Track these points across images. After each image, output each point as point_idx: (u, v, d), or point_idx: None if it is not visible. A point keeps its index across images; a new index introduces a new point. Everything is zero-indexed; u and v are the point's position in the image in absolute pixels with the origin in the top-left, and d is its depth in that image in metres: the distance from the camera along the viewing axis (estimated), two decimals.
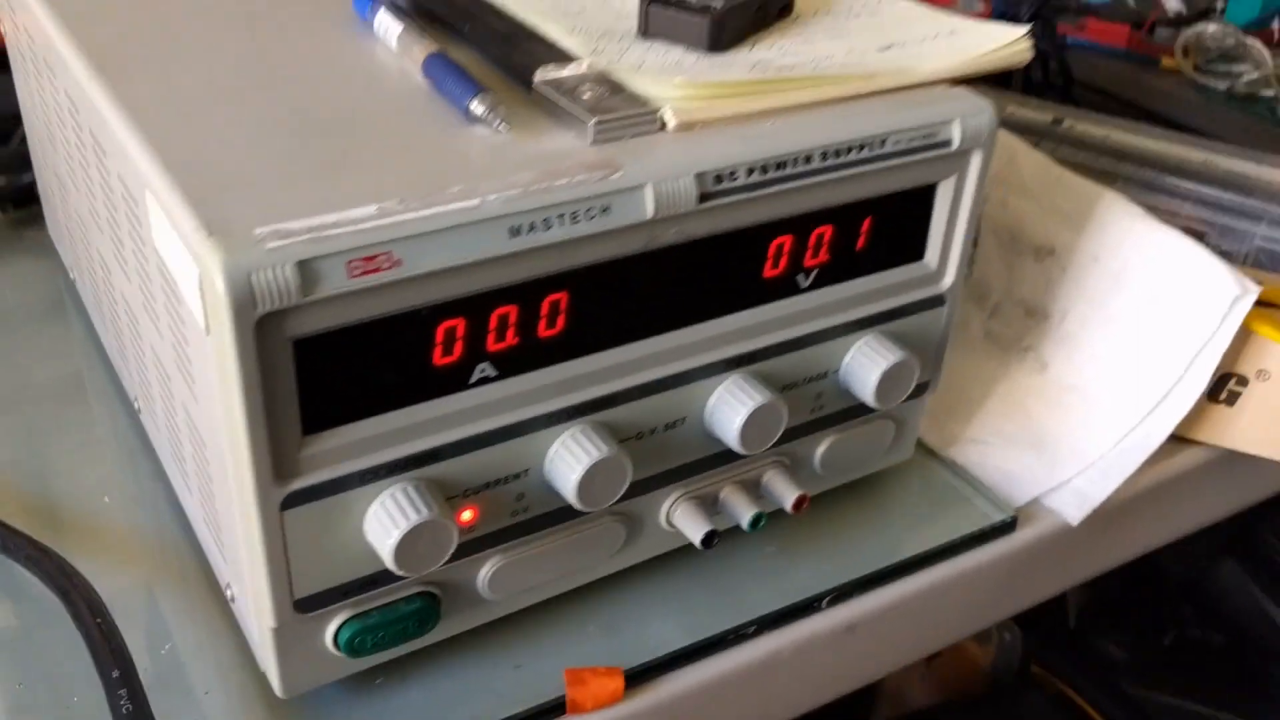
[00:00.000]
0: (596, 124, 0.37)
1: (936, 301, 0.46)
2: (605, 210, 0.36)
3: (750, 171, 0.38)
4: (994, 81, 0.76)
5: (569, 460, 0.38)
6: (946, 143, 0.42)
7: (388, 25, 0.43)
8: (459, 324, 0.35)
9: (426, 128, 0.38)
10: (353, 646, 0.38)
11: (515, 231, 0.34)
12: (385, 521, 0.35)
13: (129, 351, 0.47)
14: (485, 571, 0.40)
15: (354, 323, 0.33)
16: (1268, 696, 0.96)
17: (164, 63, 0.41)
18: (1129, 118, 0.76)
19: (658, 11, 0.44)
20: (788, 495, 0.45)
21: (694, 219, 0.38)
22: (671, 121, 0.38)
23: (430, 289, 0.34)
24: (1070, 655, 0.97)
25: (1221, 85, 0.87)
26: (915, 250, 0.45)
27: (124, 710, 0.35)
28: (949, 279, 0.46)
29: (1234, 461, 0.56)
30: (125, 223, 0.39)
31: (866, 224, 0.43)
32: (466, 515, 0.38)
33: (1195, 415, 0.54)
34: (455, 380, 0.36)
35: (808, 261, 0.42)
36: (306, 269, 0.31)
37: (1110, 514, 0.53)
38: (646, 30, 0.44)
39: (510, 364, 0.37)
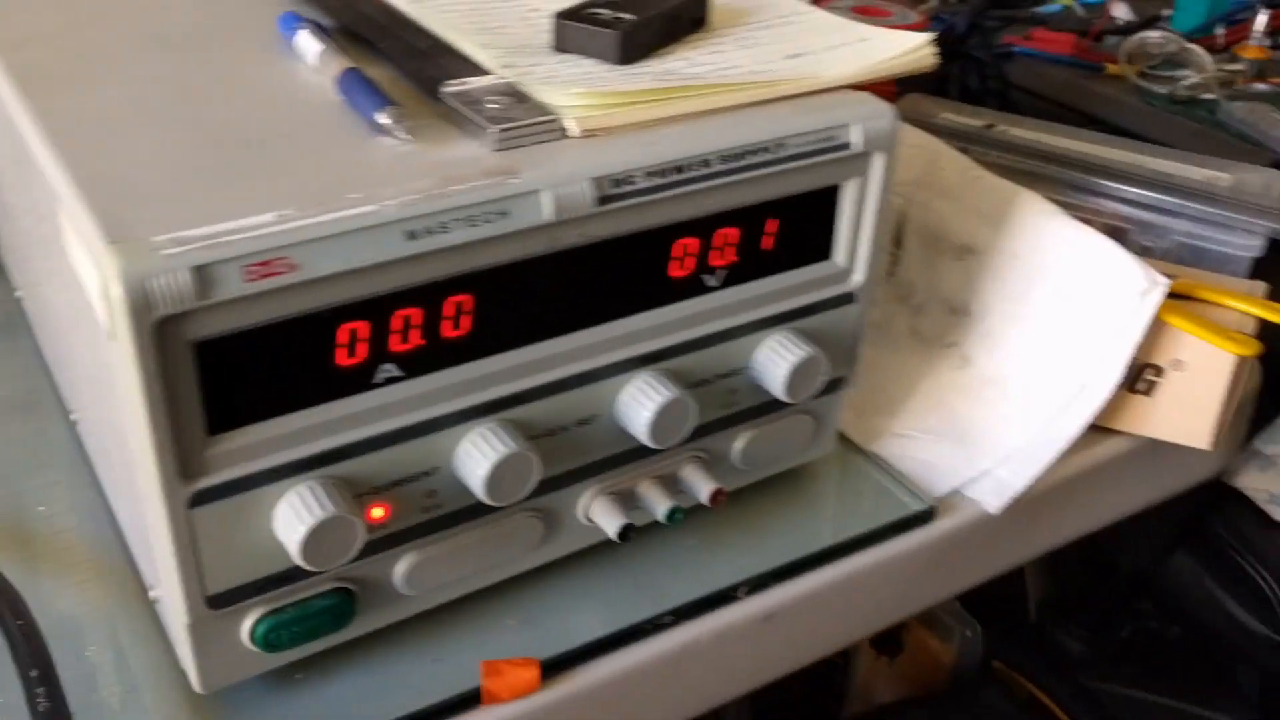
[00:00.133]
0: (498, 132, 0.39)
1: (846, 299, 0.48)
2: (504, 214, 0.37)
3: (649, 175, 0.40)
4: (931, 89, 0.78)
5: (477, 457, 0.40)
6: (846, 145, 0.44)
7: (308, 44, 0.44)
8: (361, 326, 0.36)
9: (336, 140, 0.39)
10: (269, 642, 0.40)
11: (412, 235, 0.36)
12: (292, 518, 0.37)
13: (64, 364, 0.49)
14: (401, 567, 0.42)
15: (255, 325, 0.34)
16: (1225, 687, 0.97)
17: (87, 83, 0.43)
18: (1073, 123, 0.78)
19: (569, 26, 0.45)
20: (704, 489, 0.47)
21: (595, 222, 0.39)
22: (574, 129, 0.40)
23: (330, 292, 0.35)
24: (1030, 650, 0.99)
25: (1163, 90, 0.88)
26: (823, 250, 0.47)
27: (40, 708, 0.37)
28: (858, 277, 0.48)
29: (1154, 450, 0.57)
30: (52, 238, 0.41)
31: (772, 225, 0.44)
32: (378, 512, 0.40)
33: (1115, 405, 0.56)
34: (359, 381, 0.37)
35: (714, 262, 0.44)
36: (202, 274, 0.32)
37: (1033, 503, 0.54)
38: (560, 45, 0.45)
39: (415, 364, 0.38)
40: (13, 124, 0.41)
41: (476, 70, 0.43)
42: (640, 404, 0.43)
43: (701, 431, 0.46)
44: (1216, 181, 0.66)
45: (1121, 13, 1.01)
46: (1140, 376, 0.56)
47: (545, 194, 0.38)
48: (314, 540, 0.37)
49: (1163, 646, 0.99)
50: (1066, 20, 1.00)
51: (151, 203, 0.34)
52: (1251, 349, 0.54)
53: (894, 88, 0.74)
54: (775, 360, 0.46)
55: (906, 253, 0.59)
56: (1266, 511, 0.77)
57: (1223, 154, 0.72)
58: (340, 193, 0.35)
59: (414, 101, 0.41)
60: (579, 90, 0.41)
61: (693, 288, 0.44)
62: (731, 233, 0.43)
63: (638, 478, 0.46)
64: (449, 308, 0.38)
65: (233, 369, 0.35)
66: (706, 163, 0.41)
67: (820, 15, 0.51)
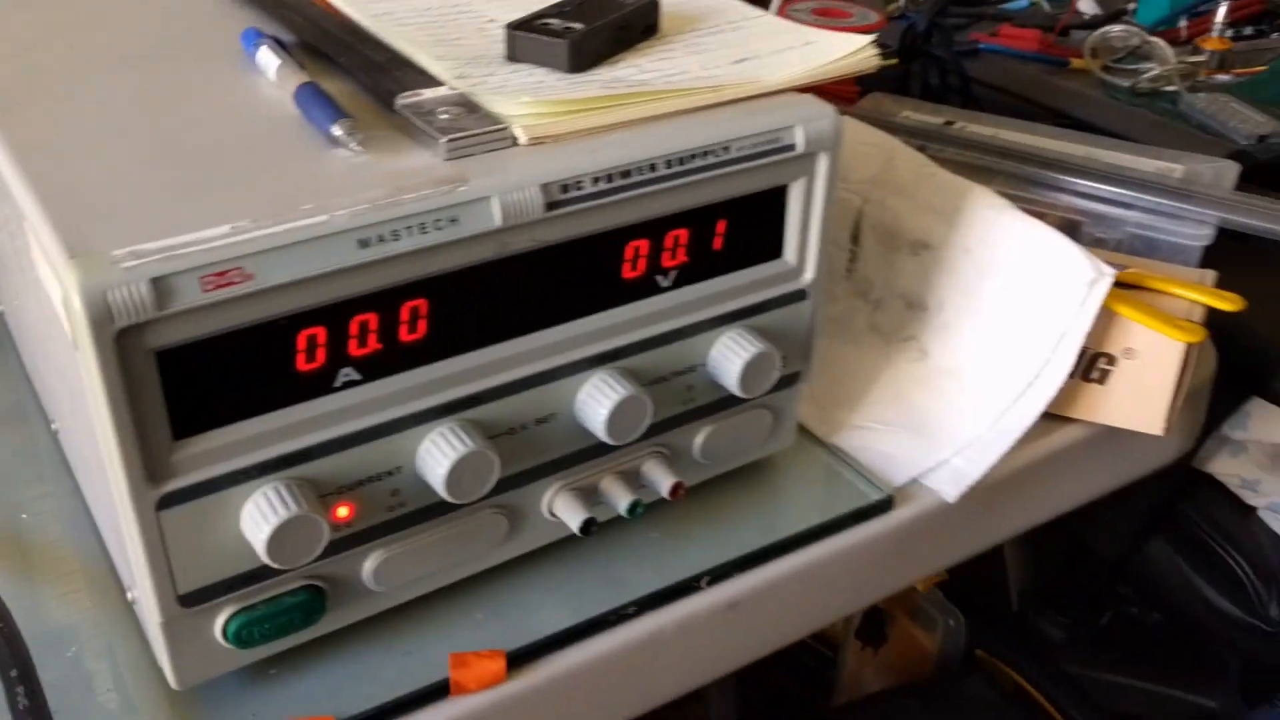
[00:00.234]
0: (448, 142, 0.40)
1: (799, 296, 0.49)
2: (453, 221, 0.39)
3: (596, 180, 0.41)
4: (893, 88, 0.80)
5: (437, 456, 0.41)
6: (791, 146, 0.45)
7: (268, 60, 0.46)
8: (319, 331, 0.38)
9: (292, 152, 0.41)
10: (241, 638, 0.41)
11: (365, 243, 0.37)
12: (258, 518, 0.38)
13: (43, 375, 0.50)
14: (369, 565, 0.43)
15: (215, 333, 0.36)
16: (1208, 671, 0.98)
17: (52, 101, 0.44)
18: (1039, 118, 0.79)
19: (521, 37, 0.47)
20: (664, 482, 0.48)
21: (545, 226, 0.41)
22: (522, 138, 0.41)
23: (287, 299, 0.37)
24: (1013, 639, 1.00)
25: (1125, 83, 0.90)
26: (773, 249, 0.48)
27: (20, 706, 0.38)
28: (809, 275, 0.49)
29: (1110, 437, 0.59)
30: (22, 253, 0.42)
31: (721, 226, 0.46)
32: (343, 511, 0.41)
33: (1070, 394, 0.57)
34: (319, 385, 0.39)
35: (666, 262, 0.45)
36: (161, 285, 0.34)
37: (991, 491, 0.56)
38: (513, 55, 0.47)
39: (374, 368, 0.40)
40: None
41: (431, 82, 0.44)
42: (597, 402, 0.44)
43: (661, 427, 0.48)
44: (1169, 173, 0.67)
45: (1087, 7, 1.02)
46: (1093, 365, 0.57)
47: (494, 200, 0.39)
48: (279, 539, 0.38)
49: (1143, 632, 1.00)
50: (1033, 16, 1.01)
51: (112, 217, 0.36)
52: (1198, 335, 0.55)
53: (856, 87, 0.76)
54: (729, 357, 0.47)
55: (864, 250, 0.61)
56: (1239, 496, 0.79)
57: (1183, 145, 0.74)
58: (294, 204, 0.37)
59: (370, 114, 0.43)
60: (527, 99, 0.42)
61: (646, 288, 0.45)
62: (682, 234, 0.45)
63: (600, 473, 0.48)
64: (405, 312, 0.40)
65: (195, 376, 0.36)
66: (653, 167, 0.42)
67: (769, 20, 0.52)
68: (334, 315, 0.38)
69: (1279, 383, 0.73)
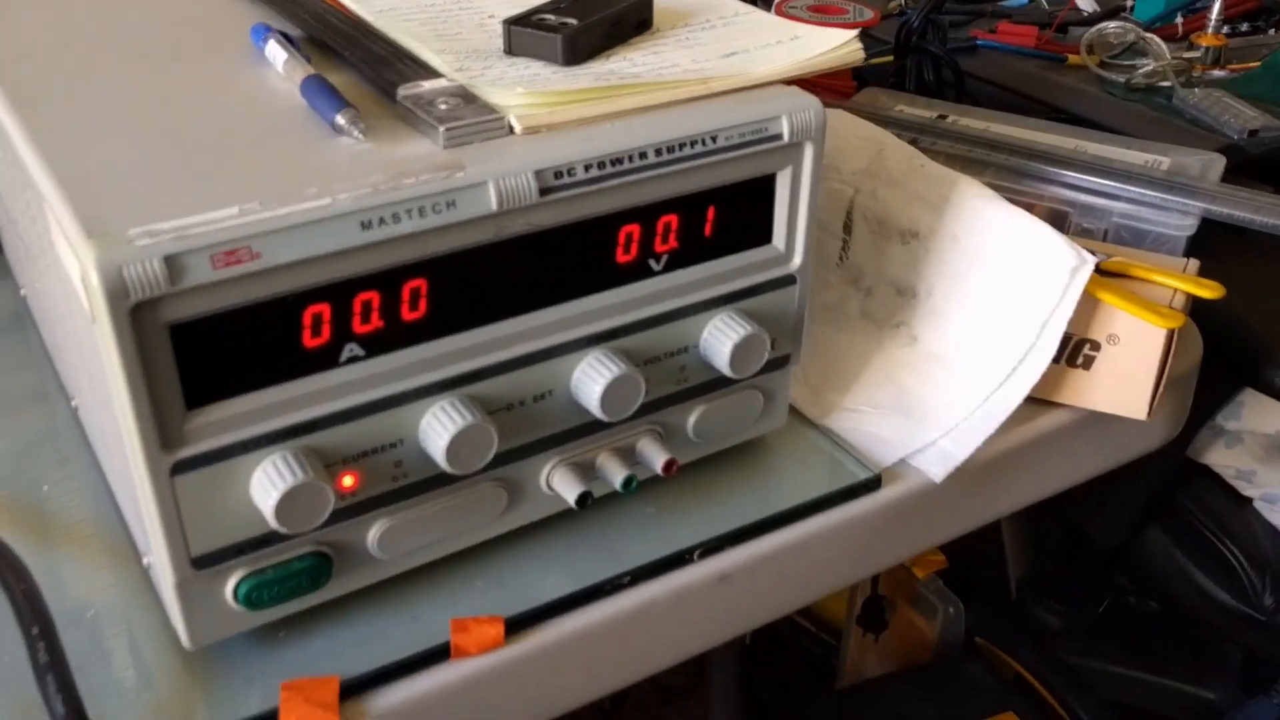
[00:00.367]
0: (446, 131, 0.42)
1: (788, 281, 0.51)
2: (451, 205, 0.41)
3: (588, 167, 0.43)
4: (890, 84, 0.82)
5: (438, 429, 0.43)
6: (777, 136, 0.47)
7: (276, 53, 0.48)
8: (324, 309, 0.40)
9: (298, 140, 0.43)
10: (251, 600, 0.43)
11: (366, 225, 0.39)
12: (266, 485, 0.40)
13: (63, 353, 0.52)
14: (374, 532, 0.45)
15: (225, 309, 0.38)
16: (1207, 662, 1.00)
17: (73, 95, 0.46)
18: (1036, 114, 0.81)
19: (519, 31, 0.49)
20: (658, 459, 0.50)
21: (539, 211, 0.43)
22: (517, 127, 0.44)
23: (293, 278, 0.39)
24: (1011, 627, 1.02)
25: (1120, 79, 0.91)
26: (763, 235, 0.50)
27: (42, 660, 0.40)
28: (798, 260, 0.51)
29: (1095, 422, 0.60)
30: (43, 235, 0.45)
31: (711, 212, 0.48)
32: (348, 481, 0.43)
33: (1055, 379, 0.59)
34: (325, 359, 0.41)
35: (658, 247, 0.47)
36: (173, 262, 0.36)
37: (978, 473, 0.57)
38: (510, 49, 0.49)
39: (377, 344, 0.42)
40: (4, 132, 0.45)
41: (431, 74, 0.46)
42: (592, 380, 0.46)
43: (654, 406, 0.50)
44: (1156, 166, 0.69)
45: (1085, 4, 1.04)
46: (1078, 351, 0.59)
47: (490, 186, 0.41)
48: (287, 504, 0.40)
49: (1141, 622, 1.02)
50: (1031, 13, 1.03)
51: (127, 200, 0.38)
52: (1178, 321, 0.57)
53: (852, 83, 0.78)
54: (720, 338, 0.49)
55: (856, 238, 0.63)
56: (1234, 487, 0.80)
57: (1176, 140, 0.76)
58: (299, 188, 0.39)
59: (373, 104, 0.45)
60: (523, 90, 0.44)
61: (638, 271, 0.47)
62: (672, 220, 0.47)
63: (596, 450, 0.50)
64: (406, 292, 0.42)
65: (206, 349, 0.38)
66: (644, 155, 0.44)
67: (758, 15, 0.54)
68: (338, 293, 0.40)
69: (1269, 372, 0.75)
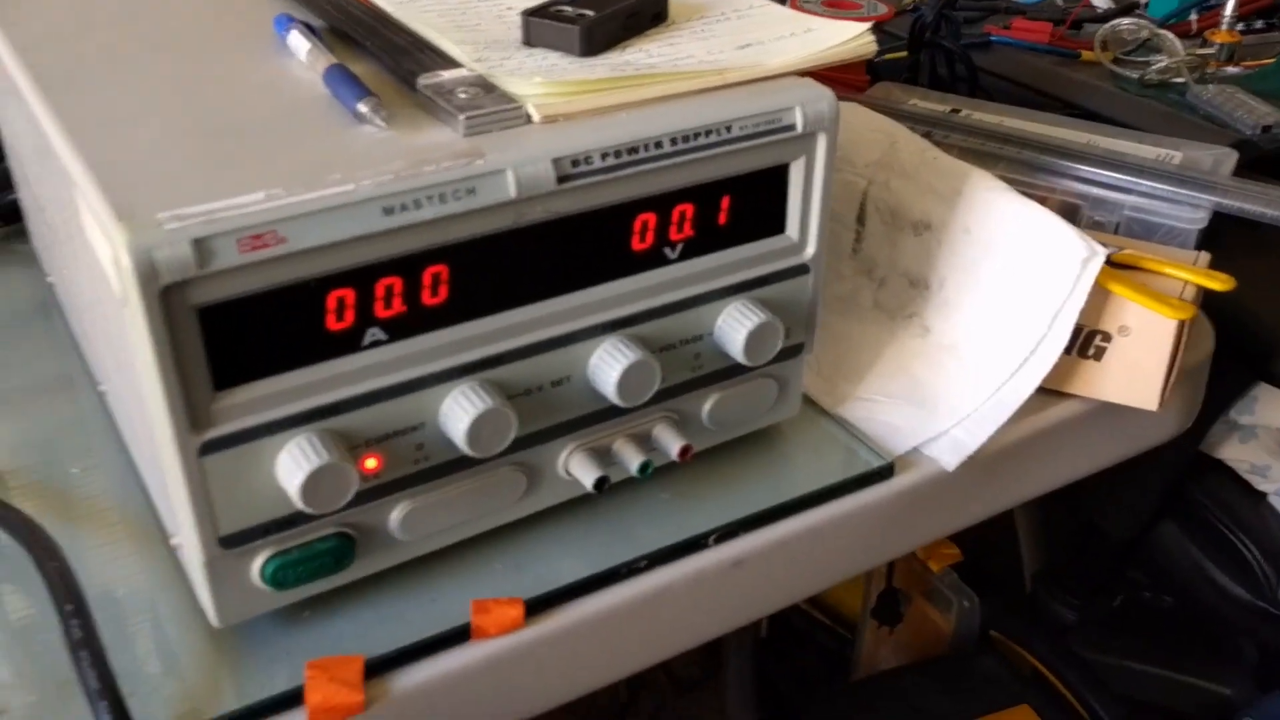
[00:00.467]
0: (466, 119, 0.43)
1: (801, 270, 0.52)
2: (471, 191, 0.42)
3: (604, 156, 0.44)
4: (904, 79, 0.82)
5: (458, 412, 0.44)
6: (791, 127, 0.48)
7: (299, 43, 0.49)
8: (347, 293, 0.41)
9: (321, 128, 0.44)
10: (277, 580, 0.44)
11: (389, 211, 0.40)
12: (292, 465, 0.41)
13: (91, 338, 0.54)
14: (396, 514, 0.46)
15: (252, 292, 0.39)
16: (1223, 658, 1.00)
17: (100, 82, 0.47)
18: (1049, 109, 0.82)
19: (536, 23, 0.50)
20: (673, 445, 0.51)
21: (557, 198, 0.44)
22: (535, 116, 0.44)
23: (318, 262, 0.40)
24: (1025, 620, 1.02)
25: (1134, 75, 0.92)
26: (776, 224, 0.51)
27: (75, 636, 0.41)
28: (811, 249, 0.52)
29: (1107, 412, 0.61)
30: (72, 221, 0.46)
31: (726, 201, 0.49)
32: (371, 463, 0.44)
33: (1067, 370, 0.60)
34: (348, 343, 0.42)
35: (673, 235, 0.48)
36: (201, 246, 0.37)
37: (990, 462, 0.58)
38: (528, 39, 0.50)
39: (399, 328, 0.43)
40: (36, 120, 0.46)
41: (451, 64, 0.47)
42: (609, 366, 0.47)
43: (670, 393, 0.51)
44: (1169, 160, 0.69)
45: (1100, 1, 1.05)
46: (1089, 342, 0.60)
47: (508, 173, 0.42)
48: (312, 485, 0.41)
49: (1155, 617, 1.02)
50: (1046, 10, 1.04)
51: (156, 185, 0.39)
52: (1189, 313, 0.57)
53: (866, 77, 0.79)
54: (734, 326, 0.50)
55: (869, 230, 0.63)
56: (1248, 481, 0.81)
57: (1189, 135, 0.76)
58: (323, 174, 0.40)
59: (394, 93, 0.46)
60: (541, 80, 0.45)
61: (654, 259, 0.48)
62: (688, 208, 0.48)
63: (613, 435, 0.51)
64: (427, 277, 0.43)
65: (234, 331, 0.39)
66: (659, 144, 0.45)
67: (773, 8, 0.55)
68: (361, 278, 0.41)
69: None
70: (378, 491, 0.45)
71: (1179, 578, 0.95)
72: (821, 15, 0.56)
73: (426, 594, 0.48)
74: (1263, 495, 0.80)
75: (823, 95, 0.49)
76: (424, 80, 0.45)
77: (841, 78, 0.76)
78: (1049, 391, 0.60)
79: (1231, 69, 0.94)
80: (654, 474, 0.51)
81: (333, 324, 0.41)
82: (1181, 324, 0.58)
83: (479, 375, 0.45)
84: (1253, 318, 0.73)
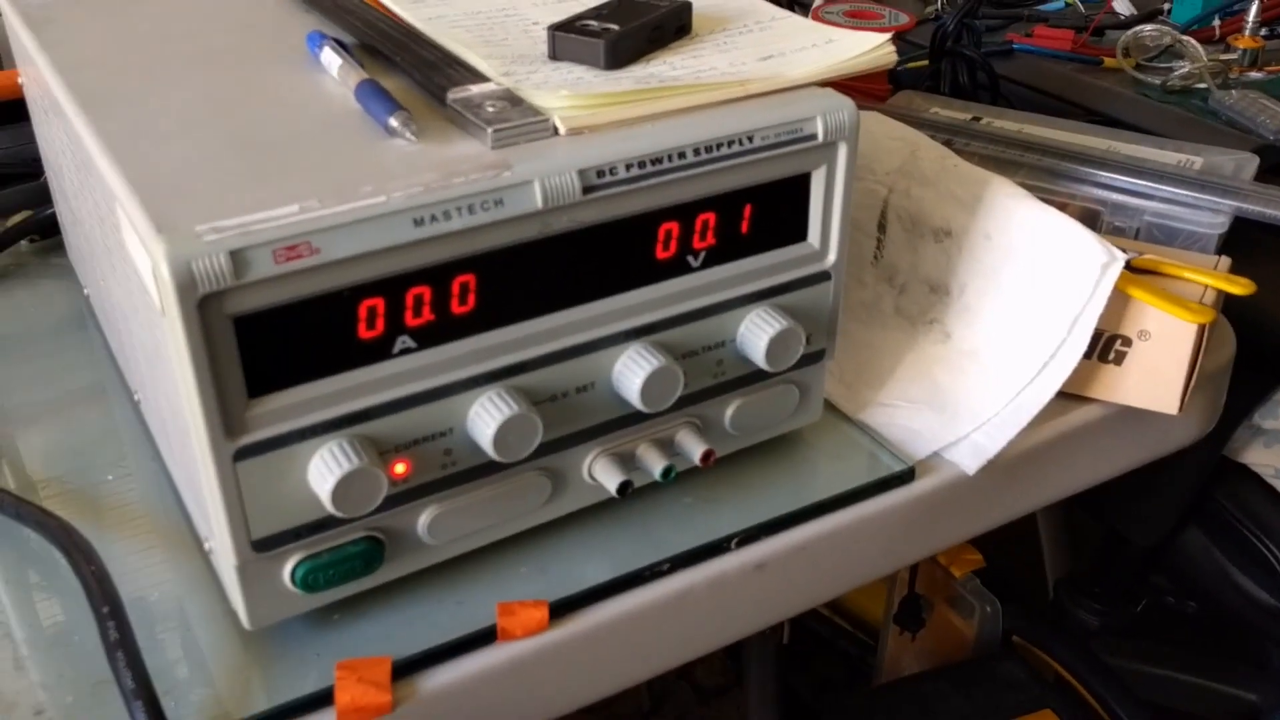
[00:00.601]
0: (494, 132, 0.44)
1: (822, 277, 0.53)
2: (499, 203, 0.43)
3: (629, 167, 0.45)
4: (926, 87, 0.83)
5: (485, 418, 0.45)
6: (812, 136, 0.49)
7: (331, 59, 0.50)
8: (378, 302, 0.42)
9: (353, 142, 0.45)
10: (307, 583, 0.45)
11: (419, 222, 0.41)
12: (323, 470, 0.42)
13: (126, 349, 0.55)
14: (424, 518, 0.47)
15: (286, 302, 0.40)
16: (1245, 664, 1.00)
17: (140, 100, 0.49)
18: (1072, 116, 0.82)
19: (562, 37, 0.51)
20: (696, 450, 0.52)
21: (583, 209, 0.45)
22: (561, 128, 0.45)
23: (350, 272, 0.41)
24: (1048, 626, 1.03)
25: (1156, 81, 0.92)
26: (798, 232, 0.52)
27: (112, 638, 0.43)
28: (832, 257, 0.53)
29: (1127, 417, 0.62)
30: (111, 234, 0.47)
31: (748, 210, 0.50)
32: (400, 468, 0.45)
33: (1087, 375, 0.60)
34: (379, 351, 0.43)
35: (696, 244, 0.49)
36: (238, 257, 0.38)
37: (1010, 466, 0.59)
38: (554, 54, 0.51)
39: (428, 336, 0.44)
40: (77, 137, 0.47)
41: (479, 78, 0.48)
42: (632, 372, 0.48)
43: (693, 399, 0.52)
44: (1189, 165, 0.70)
45: (1122, 8, 1.05)
46: (1110, 347, 0.60)
47: (535, 184, 0.43)
48: (343, 489, 0.42)
49: (1180, 623, 1.02)
50: (1068, 17, 1.04)
51: (194, 198, 0.40)
52: (1208, 317, 0.58)
53: (887, 85, 0.80)
54: (756, 333, 0.51)
55: (890, 237, 0.64)
56: (1274, 486, 0.81)
57: (1211, 141, 0.77)
58: (355, 187, 0.41)
59: (424, 107, 0.47)
60: (567, 93, 0.46)
61: (677, 268, 0.49)
62: (710, 217, 0.49)
63: (636, 441, 0.52)
64: (456, 286, 0.44)
65: (268, 340, 0.40)
66: (683, 154, 0.46)
67: (794, 20, 0.56)
68: (392, 288, 0.42)
69: None
70: (406, 496, 0.46)
71: (1203, 583, 0.95)
72: (843, 26, 0.57)
73: (453, 596, 0.49)
74: None
75: (843, 105, 0.49)
76: (453, 94, 0.46)
77: (863, 87, 0.77)
78: (1069, 396, 0.60)
79: (1255, 74, 0.94)
80: (677, 479, 0.52)
81: (364, 332, 0.42)
82: (1202, 328, 0.58)
83: (505, 382, 0.46)
84: (1275, 322, 0.73)
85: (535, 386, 0.47)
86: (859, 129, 0.50)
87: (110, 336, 0.61)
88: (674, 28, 0.54)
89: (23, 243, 0.75)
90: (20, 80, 0.66)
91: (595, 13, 0.51)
